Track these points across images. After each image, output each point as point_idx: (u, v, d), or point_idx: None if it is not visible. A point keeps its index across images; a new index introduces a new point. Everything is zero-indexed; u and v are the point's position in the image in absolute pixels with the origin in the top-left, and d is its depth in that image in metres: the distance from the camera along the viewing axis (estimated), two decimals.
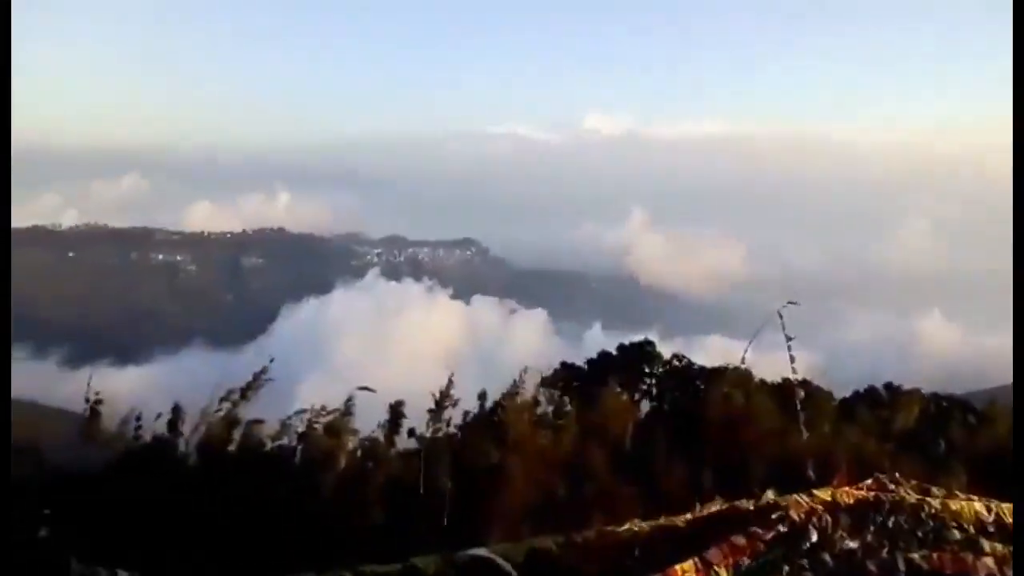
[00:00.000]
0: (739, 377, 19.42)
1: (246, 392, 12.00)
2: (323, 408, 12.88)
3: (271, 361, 12.62)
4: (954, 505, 12.23)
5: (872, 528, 11.32)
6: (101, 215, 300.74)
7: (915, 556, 10.43)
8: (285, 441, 12.56)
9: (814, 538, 10.10)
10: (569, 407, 16.72)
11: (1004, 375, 10.99)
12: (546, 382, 17.60)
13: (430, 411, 13.69)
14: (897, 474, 13.37)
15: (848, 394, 24.99)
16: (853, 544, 10.56)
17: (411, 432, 13.54)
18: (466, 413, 14.65)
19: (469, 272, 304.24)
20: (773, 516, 9.61)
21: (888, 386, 25.45)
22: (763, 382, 20.11)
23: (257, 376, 12.20)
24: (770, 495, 10.14)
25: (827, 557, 9.87)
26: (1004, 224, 10.59)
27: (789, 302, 14.68)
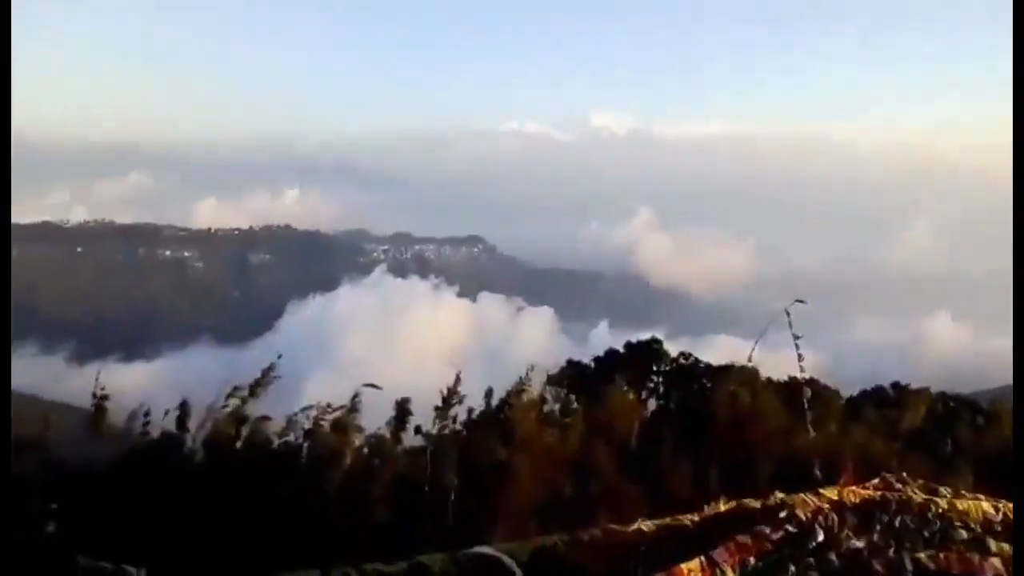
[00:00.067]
0: (746, 375, 19.40)
1: (254, 389, 12.00)
2: (329, 405, 12.87)
3: (279, 357, 12.61)
4: (961, 505, 12.21)
5: (879, 527, 11.30)
6: (109, 211, 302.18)
7: (922, 556, 10.42)
8: (291, 438, 12.56)
9: (820, 537, 10.09)
10: (576, 405, 16.69)
11: (1011, 375, 10.96)
12: (553, 380, 17.58)
13: (436, 409, 13.68)
14: (904, 473, 13.35)
15: (855, 393, 24.96)
16: (859, 543, 10.54)
17: (418, 429, 13.53)
18: (470, 411, 14.64)
19: (476, 270, 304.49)
20: (780, 515, 9.59)
21: (895, 385, 25.40)
22: (770, 380, 20.09)
23: (265, 373, 12.20)
24: (777, 494, 10.13)
25: (833, 556, 9.86)
26: (1008, 224, 10.56)
27: (796, 300, 14.66)
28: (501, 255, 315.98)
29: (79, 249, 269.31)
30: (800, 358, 15.31)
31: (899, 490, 12.42)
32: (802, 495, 10.38)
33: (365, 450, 13.03)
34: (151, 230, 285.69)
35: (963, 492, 13.34)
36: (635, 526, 7.89)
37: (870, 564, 9.97)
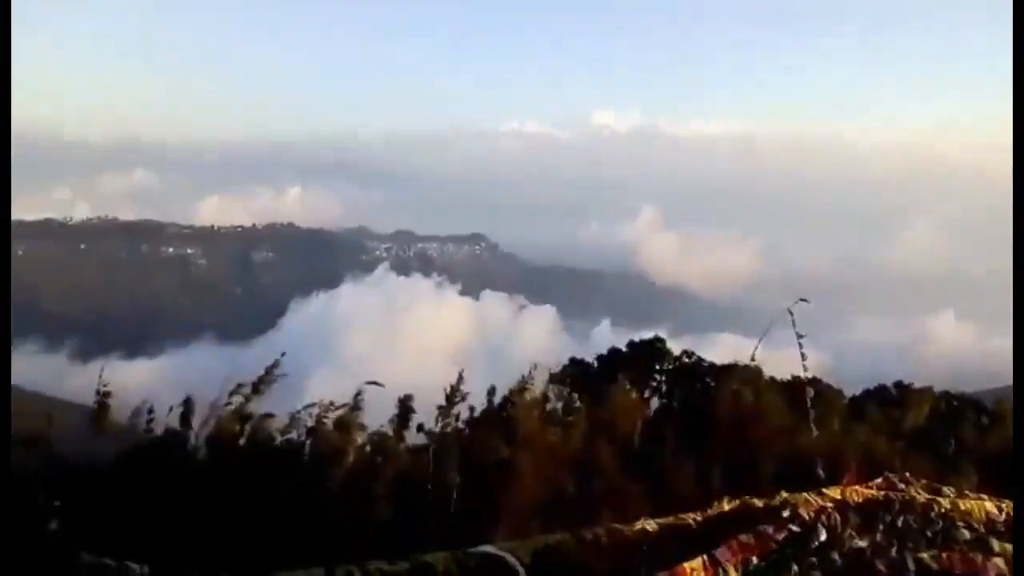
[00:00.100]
0: (749, 374, 19.37)
1: (258, 386, 12.01)
2: (331, 403, 12.88)
3: (282, 355, 12.62)
4: (964, 505, 12.20)
5: (882, 527, 11.30)
6: (112, 208, 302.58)
7: (925, 556, 10.42)
8: (294, 435, 12.57)
9: (823, 537, 10.09)
10: (578, 404, 16.68)
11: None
12: (555, 378, 17.57)
13: (439, 408, 13.68)
14: (907, 473, 13.34)
15: (858, 393, 24.91)
16: (862, 543, 10.54)
17: (420, 427, 13.54)
18: (472, 408, 14.63)
19: (478, 268, 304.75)
20: (783, 515, 9.59)
21: (899, 384, 25.34)
22: (773, 379, 20.06)
23: (269, 370, 12.21)
24: (781, 494, 10.13)
25: (836, 556, 9.85)
26: (1011, 223, 10.58)
27: (800, 299, 14.66)
28: (503, 253, 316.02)
29: (82, 246, 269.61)
30: (803, 357, 15.32)
31: (902, 490, 12.42)
32: (805, 494, 10.38)
33: (368, 448, 13.03)
34: (154, 227, 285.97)
35: (966, 492, 13.33)
36: (638, 525, 7.89)
37: (873, 564, 9.97)
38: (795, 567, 9.17)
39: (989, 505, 12.10)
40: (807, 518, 9.91)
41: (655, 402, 21.05)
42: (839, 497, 10.94)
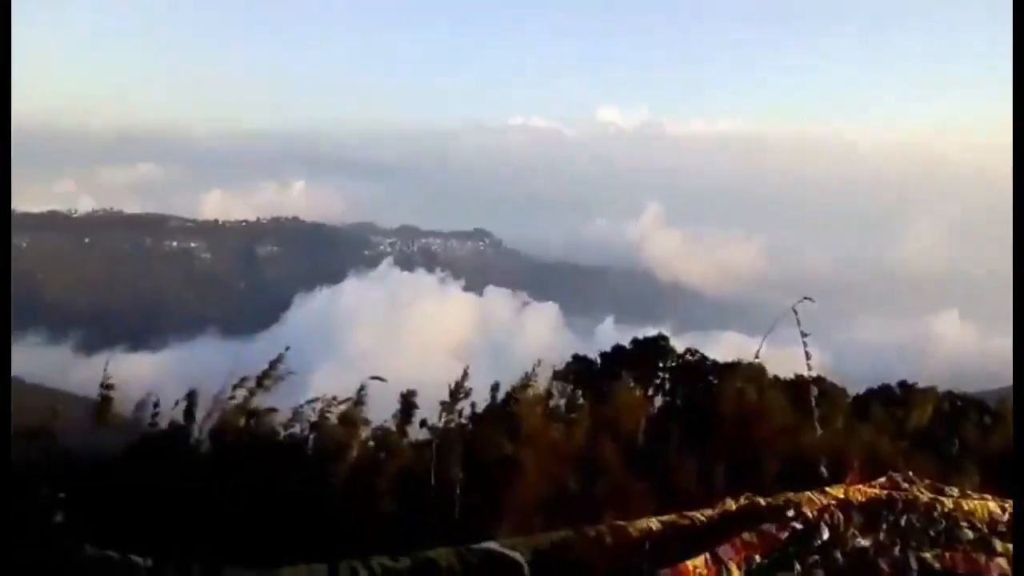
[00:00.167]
0: (752, 372, 19.38)
1: (262, 380, 12.01)
2: (334, 398, 12.88)
3: (286, 350, 12.62)
4: (967, 504, 12.20)
5: (884, 526, 11.30)
6: (116, 201, 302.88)
7: (927, 555, 10.42)
8: (297, 430, 12.58)
9: (826, 536, 10.08)
10: (582, 401, 16.69)
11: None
12: (559, 375, 17.58)
13: (442, 403, 13.68)
14: (910, 472, 13.34)
15: (861, 392, 24.91)
16: (865, 542, 10.54)
17: (423, 423, 13.54)
18: (473, 405, 14.63)
19: (482, 264, 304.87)
20: (786, 513, 9.59)
21: (902, 384, 25.35)
22: (776, 378, 20.07)
23: (273, 364, 12.20)
24: (784, 493, 10.13)
25: (839, 555, 9.85)
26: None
27: (805, 298, 14.62)
28: (507, 249, 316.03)
29: (86, 239, 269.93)
30: (807, 356, 15.29)
31: (905, 489, 12.42)
32: (808, 493, 10.38)
33: (371, 443, 13.04)
34: (158, 221, 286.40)
35: (969, 492, 13.33)
36: (642, 523, 7.88)
37: (876, 563, 9.96)
38: (798, 566, 9.17)
39: (992, 505, 12.10)
40: (810, 517, 9.91)
41: (659, 400, 21.07)
42: (842, 496, 10.93)
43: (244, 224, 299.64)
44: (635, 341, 23.29)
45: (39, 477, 8.31)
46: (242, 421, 11.88)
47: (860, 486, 11.68)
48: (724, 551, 8.21)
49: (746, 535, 8.71)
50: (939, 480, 13.79)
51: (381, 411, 13.36)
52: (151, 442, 11.43)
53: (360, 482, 12.08)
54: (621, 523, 7.71)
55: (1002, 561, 10.12)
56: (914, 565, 9.99)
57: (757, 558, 8.70)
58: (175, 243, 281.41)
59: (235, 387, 11.92)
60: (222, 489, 10.54)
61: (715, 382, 20.48)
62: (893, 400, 24.02)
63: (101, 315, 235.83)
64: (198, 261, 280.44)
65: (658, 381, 21.74)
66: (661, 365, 22.06)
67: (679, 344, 23.22)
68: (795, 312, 14.59)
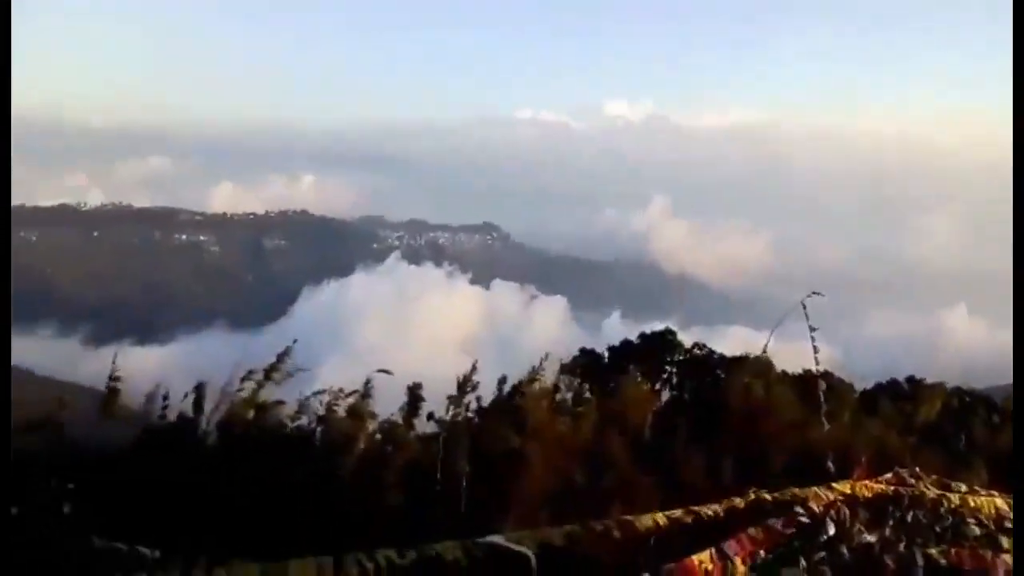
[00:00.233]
0: (760, 367, 19.36)
1: (270, 373, 12.05)
2: (341, 390, 12.92)
3: (294, 342, 12.66)
4: (974, 501, 12.16)
5: (891, 522, 11.28)
6: (126, 195, 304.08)
7: (933, 551, 10.40)
8: (304, 422, 12.62)
9: (832, 531, 10.07)
10: (589, 394, 16.68)
11: None
12: (566, 369, 17.57)
13: (450, 397, 13.71)
14: (917, 468, 13.30)
15: (869, 386, 24.85)
16: (871, 538, 10.53)
17: (430, 416, 13.57)
18: (479, 399, 14.65)
19: (489, 257, 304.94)
20: (793, 509, 9.58)
21: (910, 379, 25.27)
22: (784, 373, 20.04)
23: (281, 357, 12.24)
24: (790, 488, 10.12)
25: (844, 550, 9.84)
26: None
27: (813, 292, 14.60)
28: (515, 243, 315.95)
29: (95, 233, 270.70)
30: (815, 351, 15.28)
31: (912, 485, 12.38)
32: (814, 488, 10.36)
33: (378, 436, 13.07)
34: (167, 214, 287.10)
35: (977, 488, 13.29)
36: (648, 517, 7.89)
37: (881, 559, 9.96)
38: (803, 561, 9.17)
39: (999, 501, 12.05)
40: (816, 512, 9.89)
41: (666, 394, 21.06)
42: (848, 491, 10.91)
43: (252, 217, 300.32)
44: (643, 335, 23.28)
45: (48, 469, 8.36)
46: (250, 414, 11.93)
47: (867, 481, 11.66)
48: (729, 546, 8.20)
49: (752, 530, 8.70)
50: (946, 476, 13.76)
51: (388, 404, 13.40)
52: (159, 434, 11.48)
53: (367, 475, 12.11)
54: (628, 518, 7.71)
55: (1008, 558, 10.09)
56: (920, 561, 9.98)
57: (762, 553, 8.70)
58: (184, 236, 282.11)
59: (243, 380, 11.97)
60: (229, 481, 10.58)
61: (722, 376, 20.45)
62: (901, 395, 23.95)
63: (110, 308, 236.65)
64: (207, 254, 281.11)
65: (665, 375, 21.73)
66: (668, 359, 22.05)
67: (686, 338, 23.20)
68: (803, 306, 14.58)
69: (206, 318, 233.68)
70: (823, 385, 15.69)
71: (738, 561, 8.13)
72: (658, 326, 24.14)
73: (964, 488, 13.00)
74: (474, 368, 14.11)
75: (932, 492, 12.18)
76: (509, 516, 11.59)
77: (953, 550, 10.56)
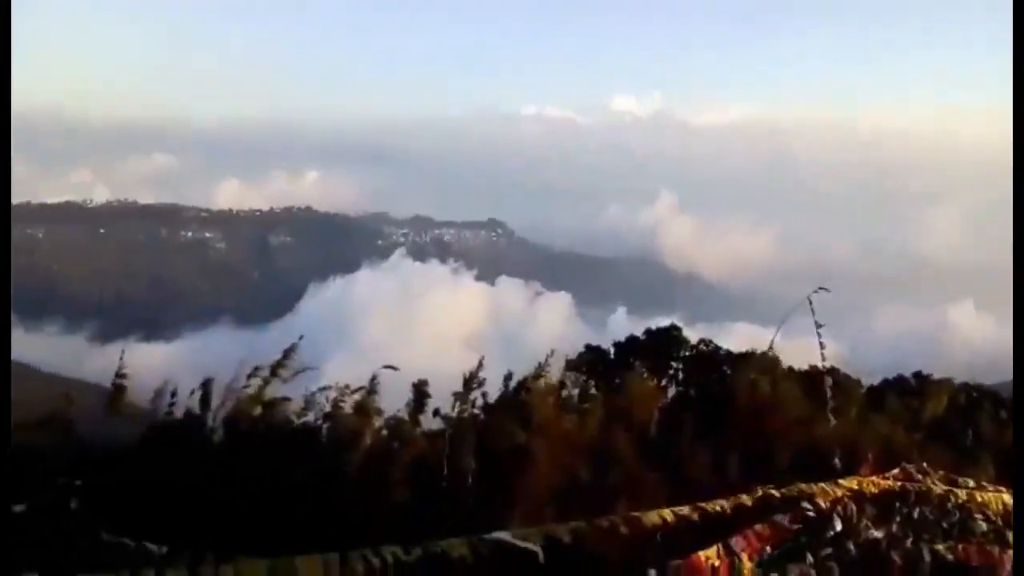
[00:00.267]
0: (766, 363, 19.31)
1: (276, 370, 12.07)
2: (347, 387, 12.93)
3: (300, 339, 12.67)
4: (981, 496, 12.13)
5: (897, 518, 11.26)
6: (131, 192, 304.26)
7: (941, 547, 10.37)
8: (310, 418, 12.63)
9: (839, 527, 10.05)
10: (595, 391, 16.68)
11: None
12: (571, 365, 17.57)
13: (455, 394, 13.71)
14: (924, 464, 13.27)
15: (876, 382, 24.81)
16: (878, 534, 10.50)
17: (436, 412, 13.58)
18: (484, 395, 14.65)
19: (494, 254, 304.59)
20: (799, 505, 9.56)
21: (917, 375, 25.23)
22: (791, 369, 20.00)
23: (287, 353, 12.26)
24: (797, 484, 10.10)
25: (851, 546, 9.82)
26: None
27: (819, 288, 14.55)
28: (520, 239, 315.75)
29: (101, 230, 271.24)
30: (822, 346, 15.23)
31: (919, 481, 12.36)
32: (821, 484, 10.34)
33: (384, 432, 13.08)
34: (173, 211, 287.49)
35: (984, 484, 13.25)
36: (656, 514, 7.88)
37: (888, 555, 9.93)
38: (810, 557, 9.15)
39: (1007, 497, 12.01)
40: (823, 508, 9.87)
41: (672, 390, 21.04)
42: (855, 487, 10.89)
43: (258, 214, 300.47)
44: (648, 332, 23.24)
45: (55, 465, 8.38)
46: (256, 410, 11.95)
47: (873, 478, 11.64)
48: (736, 542, 8.19)
49: (758, 526, 8.70)
50: (954, 472, 13.72)
51: (393, 401, 13.41)
52: (166, 431, 11.50)
53: (373, 471, 12.12)
54: (635, 514, 7.70)
55: None
56: (927, 557, 9.95)
57: (768, 549, 8.69)
58: (190, 233, 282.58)
59: (249, 376, 11.99)
60: (235, 478, 10.60)
61: (729, 373, 20.42)
62: (908, 391, 23.90)
63: (116, 304, 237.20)
64: (212, 251, 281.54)
65: (671, 372, 21.70)
66: (674, 355, 22.02)
67: (691, 334, 23.17)
68: (810, 302, 14.53)
69: (212, 315, 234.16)
70: (829, 381, 15.63)
71: (744, 557, 8.12)
72: (664, 322, 24.10)
73: (972, 484, 12.97)
74: (480, 365, 14.11)
75: (939, 488, 12.15)
76: (515, 512, 11.59)
77: (960, 546, 10.54)
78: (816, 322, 14.56)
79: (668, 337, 22.67)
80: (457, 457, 12.49)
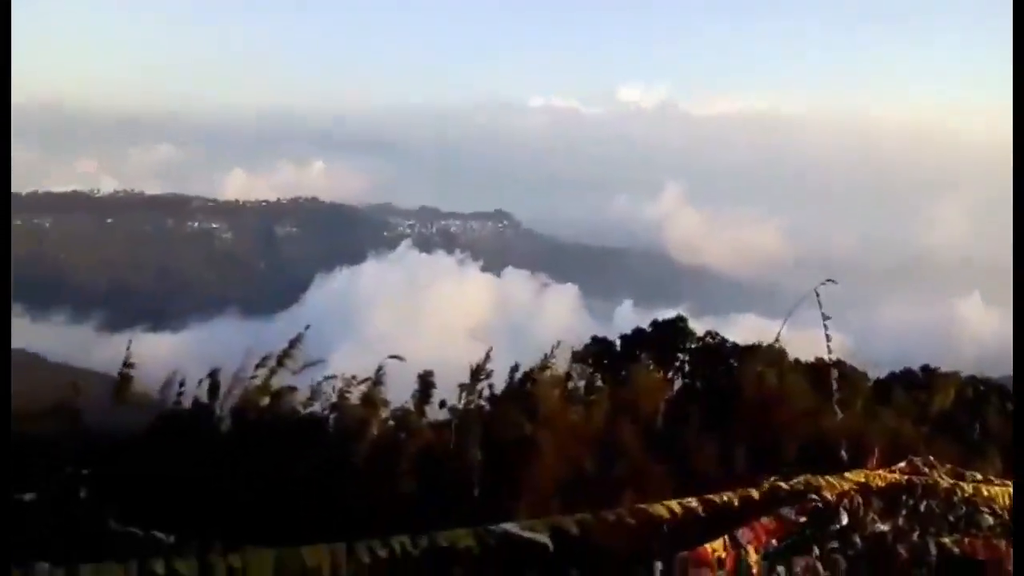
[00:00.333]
0: (773, 356, 19.27)
1: (282, 360, 12.08)
2: (353, 377, 12.94)
3: (306, 328, 12.68)
4: (988, 490, 12.10)
5: (904, 511, 11.25)
6: (138, 182, 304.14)
7: (947, 541, 10.36)
8: (316, 408, 12.65)
9: (845, 520, 10.05)
10: (601, 382, 16.65)
11: None
12: (578, 357, 17.54)
13: (461, 386, 13.71)
14: (931, 457, 13.24)
15: (884, 375, 24.74)
16: (884, 527, 10.50)
17: (443, 403, 13.58)
18: (491, 386, 14.65)
19: (501, 245, 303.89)
20: (805, 498, 9.56)
21: (925, 368, 25.14)
22: (797, 361, 19.96)
23: (293, 343, 12.28)
24: (803, 477, 10.08)
25: (857, 539, 9.82)
26: None
27: (827, 280, 14.51)
28: (526, 230, 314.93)
29: (108, 220, 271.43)
30: (828, 339, 15.19)
31: (926, 474, 12.34)
32: (828, 477, 10.32)
33: (391, 423, 13.09)
34: (180, 201, 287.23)
35: (991, 478, 13.22)
36: (663, 506, 7.88)
37: (894, 548, 9.93)
38: (816, 549, 9.15)
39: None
40: (829, 501, 9.87)
41: (678, 382, 21.00)
42: (862, 480, 10.88)
43: (264, 204, 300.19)
44: (654, 323, 23.19)
45: (64, 454, 8.41)
46: (263, 400, 11.96)
47: (880, 471, 11.63)
48: (743, 534, 8.20)
49: (764, 519, 8.70)
50: (961, 465, 13.70)
51: (400, 392, 13.41)
52: (174, 420, 11.53)
53: (380, 462, 12.13)
54: (642, 506, 7.70)
55: None
56: (933, 551, 9.94)
57: (774, 542, 8.69)
58: (196, 224, 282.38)
59: (257, 366, 12.00)
60: (243, 468, 10.62)
61: (735, 365, 20.37)
62: (916, 384, 23.83)
63: (123, 294, 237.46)
64: (219, 241, 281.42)
65: (678, 364, 21.66)
66: (681, 347, 21.97)
67: (698, 326, 23.12)
68: (817, 294, 14.50)
69: (218, 305, 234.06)
70: (836, 374, 15.62)
71: (751, 549, 8.12)
72: (670, 314, 24.05)
73: (979, 477, 12.95)
74: (488, 356, 14.10)
75: (946, 481, 12.13)
76: (521, 504, 11.59)
77: (967, 539, 10.52)
78: (823, 314, 14.53)
79: (674, 329, 22.62)
80: (463, 448, 12.49)
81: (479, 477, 12.16)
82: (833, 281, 14.60)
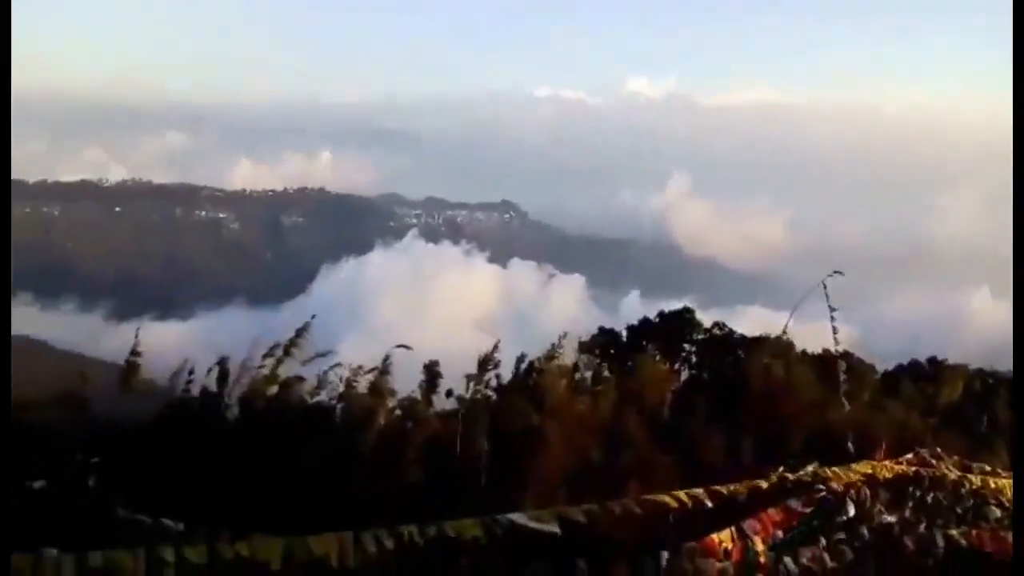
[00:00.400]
0: (780, 347, 19.25)
1: (289, 349, 12.11)
2: (360, 367, 12.97)
3: (312, 318, 12.70)
4: (995, 482, 12.08)
5: (911, 503, 11.22)
6: (146, 171, 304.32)
7: (954, 533, 10.33)
8: (324, 397, 12.69)
9: (851, 511, 10.03)
10: (607, 373, 16.66)
11: None
12: (584, 348, 17.55)
13: (468, 376, 13.73)
14: (939, 449, 13.21)
15: (891, 367, 24.69)
16: (891, 519, 10.47)
17: (449, 392, 13.61)
18: (498, 376, 14.68)
19: (507, 236, 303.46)
20: (813, 489, 9.54)
21: (932, 360, 25.09)
22: (804, 353, 19.93)
23: (300, 333, 12.30)
24: (810, 468, 10.07)
25: (864, 531, 9.80)
26: None
27: (834, 272, 14.45)
28: (533, 221, 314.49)
29: (116, 209, 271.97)
30: (835, 331, 15.16)
31: (933, 466, 12.32)
32: (835, 469, 10.31)
33: (398, 412, 13.12)
34: (188, 191, 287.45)
35: (999, 470, 13.19)
36: (671, 496, 7.88)
37: (901, 540, 9.91)
38: (823, 541, 9.14)
39: None
40: (836, 492, 9.85)
41: (685, 373, 21.00)
42: (869, 472, 10.86)
43: (272, 194, 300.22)
44: (661, 314, 23.16)
45: (72, 442, 8.44)
46: (271, 389, 12.00)
47: (887, 462, 11.60)
48: (749, 525, 8.19)
49: (772, 510, 8.69)
50: (968, 458, 13.67)
51: (406, 382, 13.44)
52: (182, 409, 11.57)
53: (387, 451, 12.16)
54: (649, 496, 7.70)
55: None
56: (940, 543, 9.92)
57: (780, 533, 8.69)
58: (204, 213, 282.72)
59: (264, 356, 12.04)
60: (251, 457, 10.65)
61: (742, 357, 20.35)
62: (923, 376, 23.80)
63: (131, 283, 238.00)
64: (226, 231, 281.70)
65: (684, 355, 21.64)
66: (687, 338, 21.95)
67: (705, 318, 23.08)
68: (824, 286, 14.45)
69: (225, 294, 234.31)
70: (843, 365, 15.57)
71: (758, 540, 8.12)
72: (677, 305, 24.01)
73: (987, 469, 12.93)
74: (496, 347, 14.13)
75: (953, 473, 12.11)
76: (528, 494, 11.61)
77: (974, 532, 10.50)
78: (830, 306, 14.48)
79: (681, 320, 22.59)
80: (470, 438, 12.51)
81: (486, 467, 12.19)
82: (840, 273, 14.53)
